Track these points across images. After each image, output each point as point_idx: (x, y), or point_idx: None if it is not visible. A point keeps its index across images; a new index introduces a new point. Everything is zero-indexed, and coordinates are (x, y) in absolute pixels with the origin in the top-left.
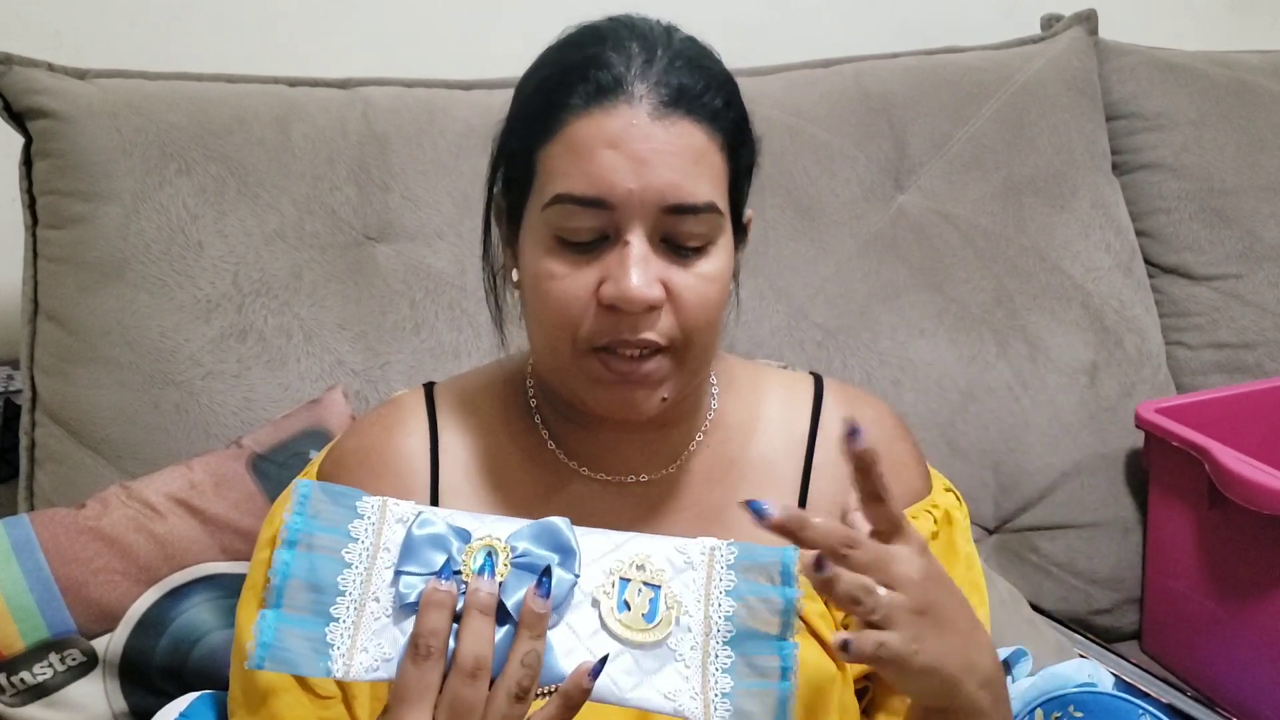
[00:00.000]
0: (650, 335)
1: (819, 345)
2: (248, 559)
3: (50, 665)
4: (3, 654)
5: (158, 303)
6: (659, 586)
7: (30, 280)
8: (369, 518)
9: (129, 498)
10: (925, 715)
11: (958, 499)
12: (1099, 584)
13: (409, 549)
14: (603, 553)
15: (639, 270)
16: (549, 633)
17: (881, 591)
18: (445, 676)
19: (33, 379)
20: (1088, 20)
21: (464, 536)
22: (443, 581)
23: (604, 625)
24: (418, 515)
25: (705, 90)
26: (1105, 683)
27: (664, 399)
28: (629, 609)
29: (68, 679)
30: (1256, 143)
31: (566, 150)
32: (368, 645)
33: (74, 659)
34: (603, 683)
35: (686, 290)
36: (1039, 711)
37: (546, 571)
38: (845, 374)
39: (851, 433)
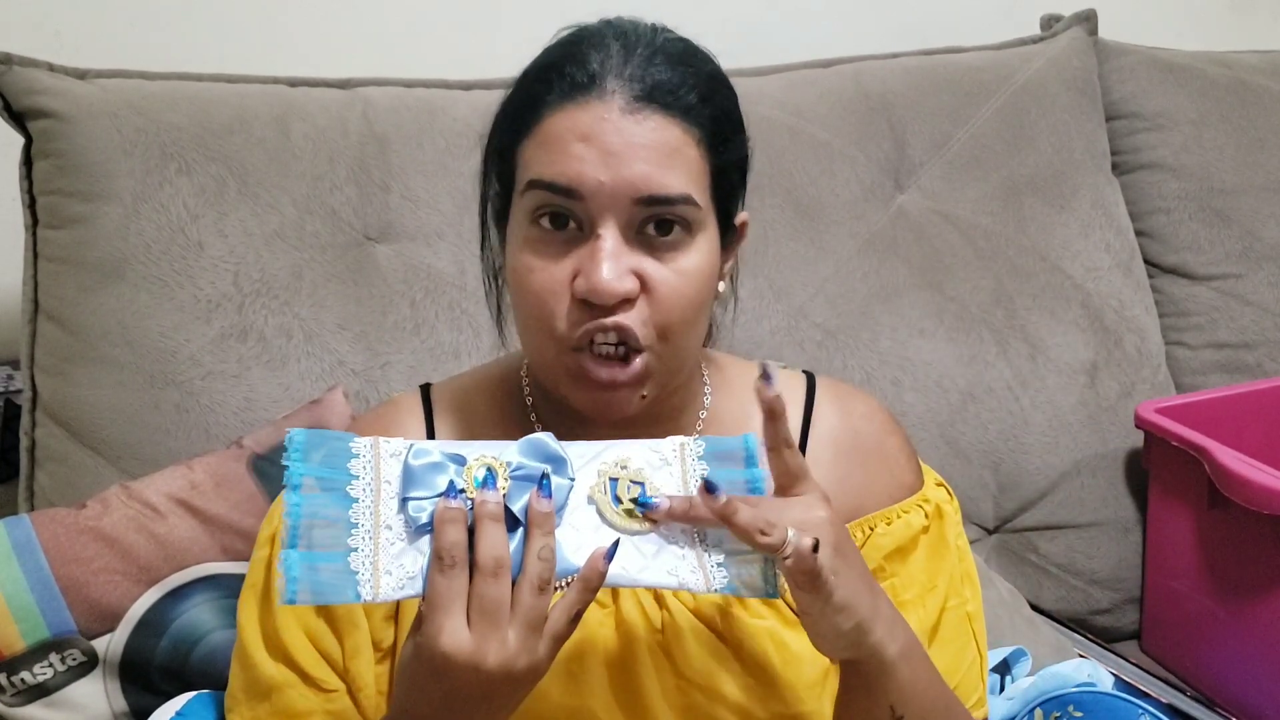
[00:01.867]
0: (624, 321)
1: (819, 345)
2: (248, 559)
3: (51, 665)
4: (3, 654)
5: (158, 303)
6: (643, 482)
7: (30, 280)
8: (364, 456)
9: (129, 498)
10: (845, 680)
11: (949, 493)
12: (1099, 584)
13: (410, 478)
14: (588, 459)
15: (610, 263)
16: (555, 533)
17: (791, 532)
18: (470, 581)
19: (33, 379)
20: (1088, 20)
21: (460, 460)
22: (452, 500)
23: (604, 519)
24: (410, 447)
25: (680, 85)
26: (1105, 683)
27: (643, 397)
28: (621, 503)
29: (68, 679)
30: (1256, 143)
31: (542, 144)
32: (390, 568)
33: (74, 659)
34: (613, 569)
35: (661, 284)
36: (1039, 711)
37: (545, 476)
38: (845, 374)
39: (764, 376)
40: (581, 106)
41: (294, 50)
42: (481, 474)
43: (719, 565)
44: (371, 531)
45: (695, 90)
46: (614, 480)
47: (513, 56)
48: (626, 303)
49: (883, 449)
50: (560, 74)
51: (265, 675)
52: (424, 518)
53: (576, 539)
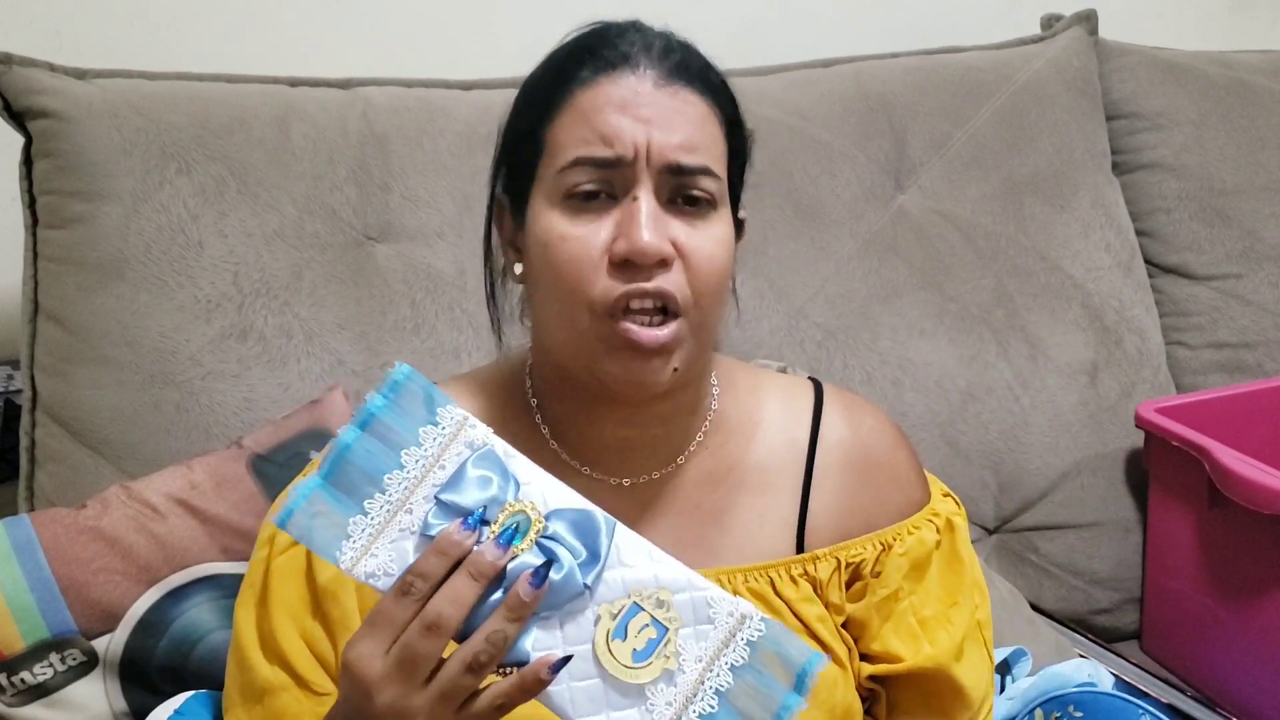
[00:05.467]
0: (665, 285)
1: (819, 345)
2: (248, 559)
3: (50, 665)
4: (3, 654)
5: (158, 303)
6: (666, 630)
7: (30, 280)
8: (444, 427)
9: (129, 498)
10: None
11: (956, 504)
12: (1099, 584)
13: (457, 479)
14: (634, 564)
15: (649, 224)
16: (540, 622)
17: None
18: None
19: (33, 379)
20: (1088, 20)
21: (513, 490)
22: (463, 530)
23: (593, 644)
24: (483, 448)
25: (706, 67)
26: (1105, 683)
27: (675, 369)
28: (625, 639)
29: (68, 679)
30: (1256, 143)
31: (576, 118)
32: (379, 552)
33: (74, 659)
34: (561, 691)
35: (696, 249)
36: (1039, 711)
37: (548, 564)
38: (845, 374)
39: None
40: (614, 80)
41: (294, 50)
42: (510, 526)
43: None
44: (392, 506)
45: (717, 74)
46: (635, 609)
47: (513, 57)
48: (663, 265)
49: (893, 464)
50: (592, 54)
51: (260, 678)
52: (435, 530)
53: (553, 639)
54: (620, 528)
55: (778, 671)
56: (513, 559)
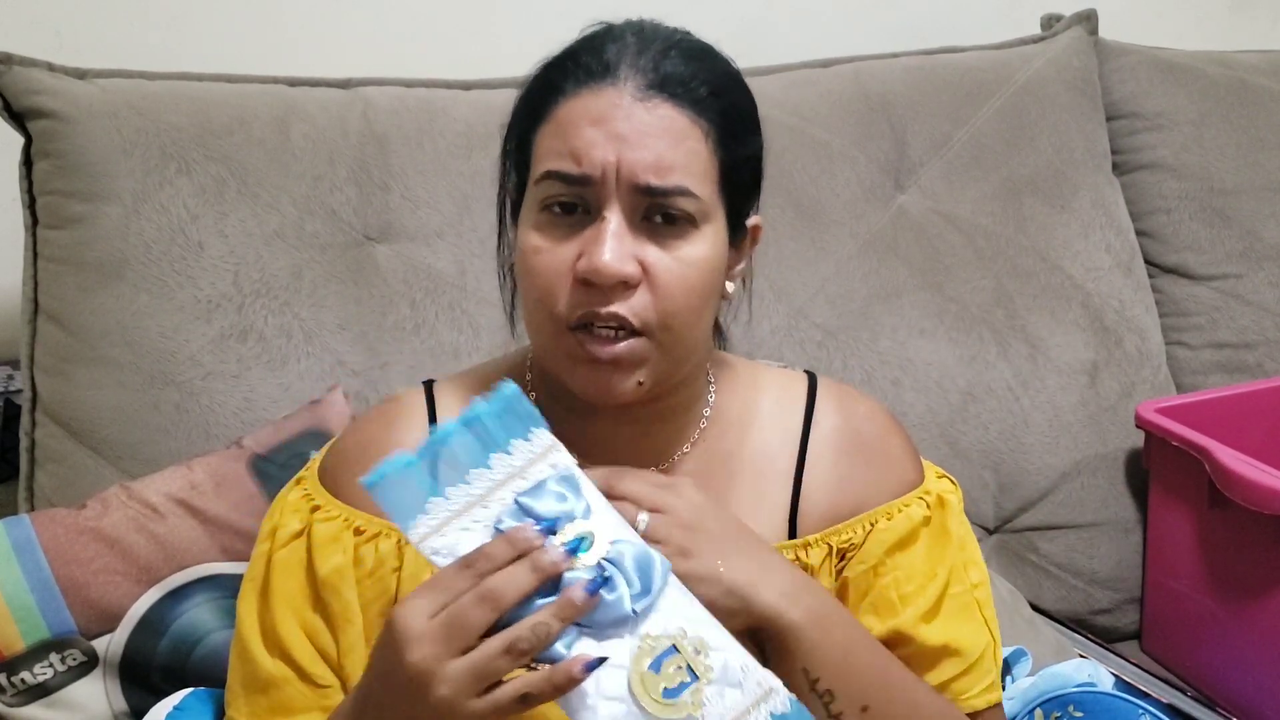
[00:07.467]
0: (621, 310)
1: (819, 345)
2: (248, 559)
3: (51, 665)
4: (3, 654)
5: (158, 303)
6: (698, 678)
7: (30, 280)
8: (534, 445)
9: (129, 498)
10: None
11: (952, 484)
12: (1099, 584)
13: (538, 489)
14: (680, 612)
15: (612, 245)
16: (585, 636)
17: (644, 516)
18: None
19: (33, 379)
20: (1088, 20)
21: (585, 512)
22: (532, 530)
23: (629, 669)
24: (566, 471)
25: (691, 78)
26: (1105, 683)
27: (640, 383)
28: (659, 673)
29: (68, 679)
30: (1256, 142)
31: (554, 130)
32: (449, 533)
33: (74, 659)
34: (591, 703)
35: (663, 271)
36: (1039, 711)
37: (604, 579)
38: (845, 374)
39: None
40: (594, 93)
41: (294, 50)
42: (579, 539)
43: None
44: (472, 499)
45: (707, 84)
46: (673, 650)
47: (513, 56)
48: (627, 289)
49: (885, 448)
50: (576, 63)
51: (263, 671)
52: (505, 527)
53: (591, 652)
54: (673, 575)
55: None
56: (571, 569)
